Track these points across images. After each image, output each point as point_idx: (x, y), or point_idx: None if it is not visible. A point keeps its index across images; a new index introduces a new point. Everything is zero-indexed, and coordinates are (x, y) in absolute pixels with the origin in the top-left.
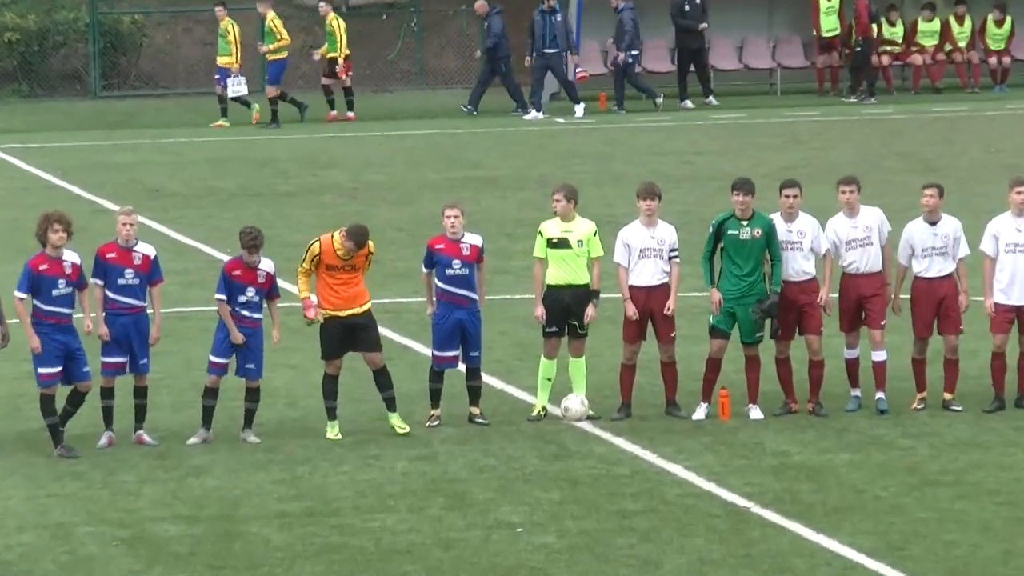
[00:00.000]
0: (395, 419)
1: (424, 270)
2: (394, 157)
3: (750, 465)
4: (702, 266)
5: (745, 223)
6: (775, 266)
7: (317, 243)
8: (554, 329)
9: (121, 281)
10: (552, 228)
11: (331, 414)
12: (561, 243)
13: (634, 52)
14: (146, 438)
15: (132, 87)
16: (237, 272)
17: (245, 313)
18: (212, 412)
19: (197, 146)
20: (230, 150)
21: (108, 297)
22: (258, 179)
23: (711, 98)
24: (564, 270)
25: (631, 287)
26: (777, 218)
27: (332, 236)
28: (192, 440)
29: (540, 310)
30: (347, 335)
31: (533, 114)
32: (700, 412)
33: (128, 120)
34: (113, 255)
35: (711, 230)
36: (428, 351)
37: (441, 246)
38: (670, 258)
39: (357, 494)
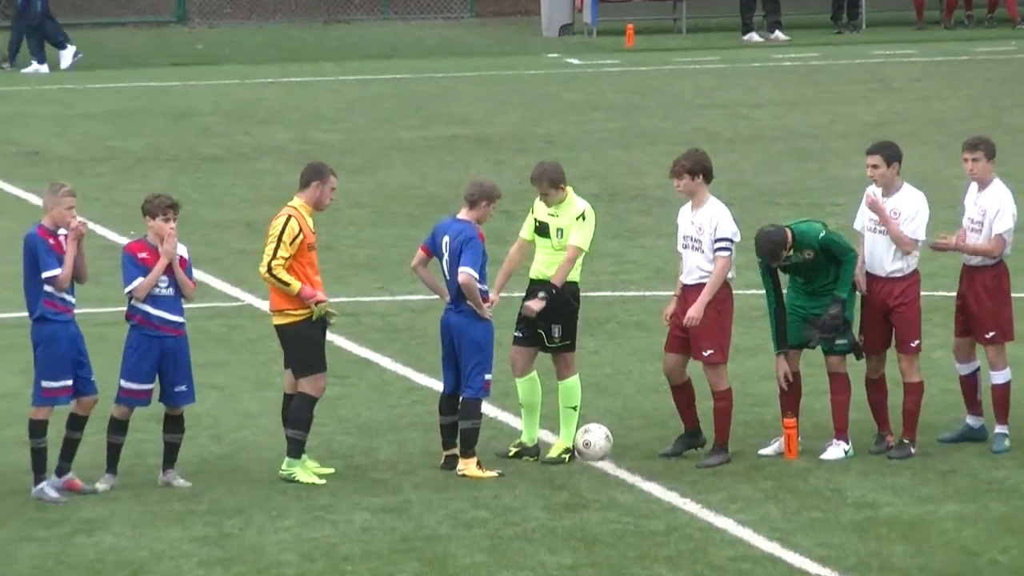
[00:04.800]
0: (311, 466)
1: (473, 271)
2: (353, 109)
3: (825, 519)
4: (768, 319)
5: (789, 252)
6: (843, 267)
7: (291, 219)
8: (518, 334)
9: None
10: (540, 209)
11: (300, 449)
12: (542, 229)
13: None
14: (52, 494)
15: (5, 15)
16: (144, 255)
17: (162, 315)
18: (119, 451)
19: (92, 95)
20: (137, 100)
21: (53, 297)
22: (173, 138)
23: (778, 32)
24: (540, 263)
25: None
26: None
27: (298, 207)
28: (100, 486)
29: (495, 296)
30: (324, 338)
31: (35, 67)
32: (770, 447)
33: None
34: (53, 242)
35: (760, 269)
36: (395, 366)
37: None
38: (715, 251)
39: (303, 557)
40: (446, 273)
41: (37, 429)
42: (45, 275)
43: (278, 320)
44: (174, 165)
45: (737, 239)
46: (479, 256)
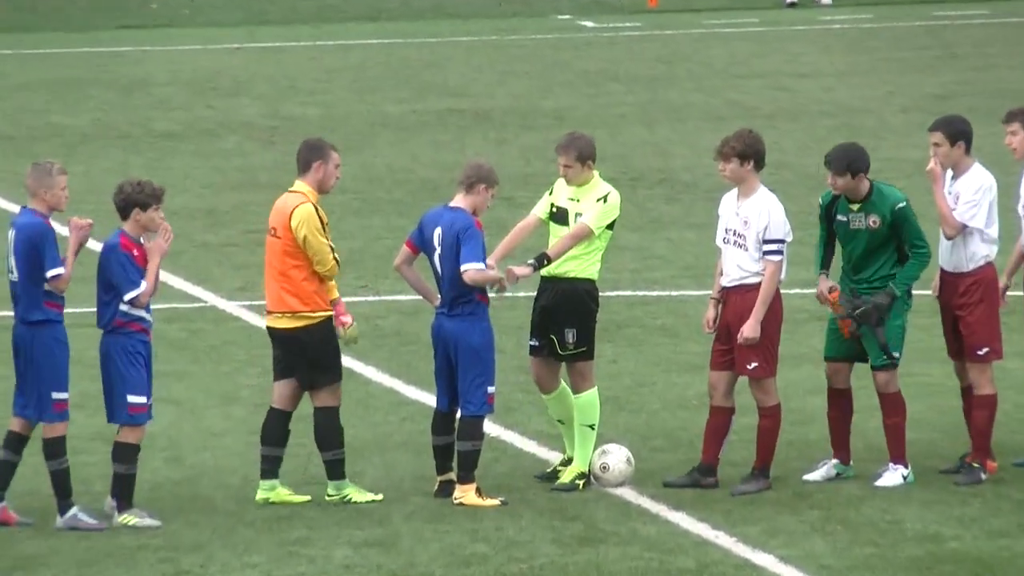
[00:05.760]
0: (283, 494)
1: (478, 266)
2: (333, 79)
3: (881, 555)
4: (816, 249)
5: (855, 207)
6: (909, 263)
7: (308, 205)
8: (533, 342)
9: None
10: (560, 192)
11: (342, 469)
12: (559, 216)
13: None
14: (88, 519)
15: None
16: (135, 252)
17: (149, 319)
18: (133, 481)
19: (29, 62)
20: (82, 68)
21: (53, 297)
22: (124, 113)
23: None
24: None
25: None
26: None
27: (306, 193)
28: (143, 520)
29: (492, 262)
30: None
31: None
32: (818, 472)
33: None
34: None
35: (820, 211)
36: (381, 377)
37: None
38: (764, 253)
39: None
40: (438, 271)
41: (58, 448)
42: (50, 273)
43: (290, 324)
44: (125, 143)
45: (790, 239)
46: (480, 248)
